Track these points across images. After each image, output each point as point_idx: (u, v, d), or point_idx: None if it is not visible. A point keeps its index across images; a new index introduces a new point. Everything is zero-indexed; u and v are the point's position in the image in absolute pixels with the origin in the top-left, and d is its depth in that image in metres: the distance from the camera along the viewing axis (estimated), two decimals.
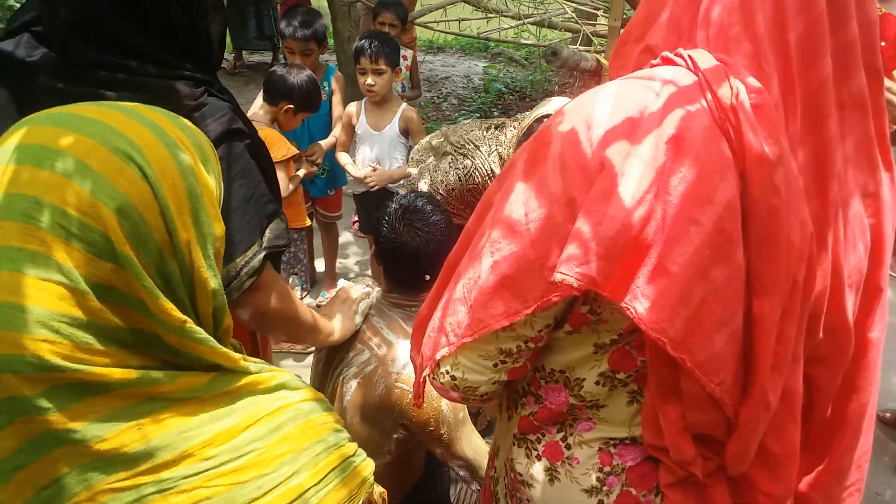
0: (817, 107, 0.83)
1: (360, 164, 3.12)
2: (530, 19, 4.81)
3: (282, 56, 3.47)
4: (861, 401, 0.97)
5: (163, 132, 0.72)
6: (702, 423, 0.88)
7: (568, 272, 0.78)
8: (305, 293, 3.61)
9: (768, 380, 0.82)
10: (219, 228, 0.74)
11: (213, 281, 0.73)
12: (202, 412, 0.69)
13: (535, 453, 1.03)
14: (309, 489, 0.71)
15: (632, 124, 0.82)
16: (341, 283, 1.68)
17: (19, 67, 1.11)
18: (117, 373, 0.65)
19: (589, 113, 0.85)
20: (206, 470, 0.67)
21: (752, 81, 0.81)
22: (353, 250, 4.17)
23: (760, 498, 0.94)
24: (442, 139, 2.25)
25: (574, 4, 4.94)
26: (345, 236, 4.07)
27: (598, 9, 5.08)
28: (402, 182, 2.98)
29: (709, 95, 0.81)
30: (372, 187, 3.00)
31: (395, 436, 1.53)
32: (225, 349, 0.73)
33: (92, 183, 0.64)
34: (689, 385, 0.84)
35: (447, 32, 6.03)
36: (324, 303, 3.58)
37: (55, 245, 0.63)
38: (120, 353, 0.67)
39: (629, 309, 0.78)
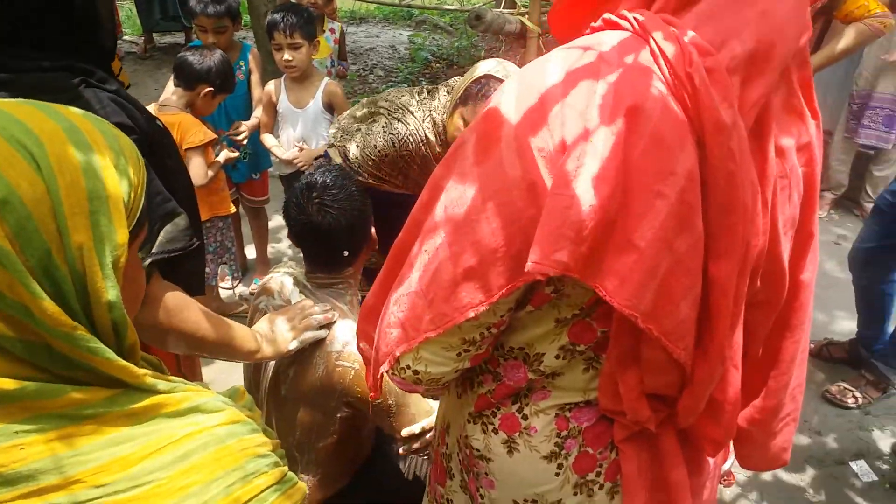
0: (757, 64, 0.82)
1: (286, 145, 3.00)
2: None
3: (195, 36, 3.27)
4: (796, 338, 0.99)
5: (75, 130, 0.65)
6: (658, 384, 0.88)
7: (542, 261, 0.75)
8: (237, 282, 3.47)
9: (726, 338, 0.83)
10: (121, 236, 0.66)
11: (111, 292, 0.64)
12: (98, 434, 0.62)
13: (491, 427, 1.01)
14: None
15: (587, 98, 0.78)
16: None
17: None
18: None
19: (540, 88, 0.82)
20: (95, 499, 0.60)
21: (702, 43, 0.79)
22: (285, 233, 4.03)
23: (705, 443, 0.97)
24: (367, 108, 2.15)
25: None
26: (275, 220, 3.93)
27: None
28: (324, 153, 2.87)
29: (661, 62, 0.79)
30: (301, 168, 2.88)
31: (339, 415, 1.49)
32: (124, 363, 0.65)
33: None
34: (650, 351, 0.84)
35: (370, 1, 5.86)
36: (256, 290, 3.44)
37: None
38: (8, 365, 0.60)
39: (600, 288, 0.77)
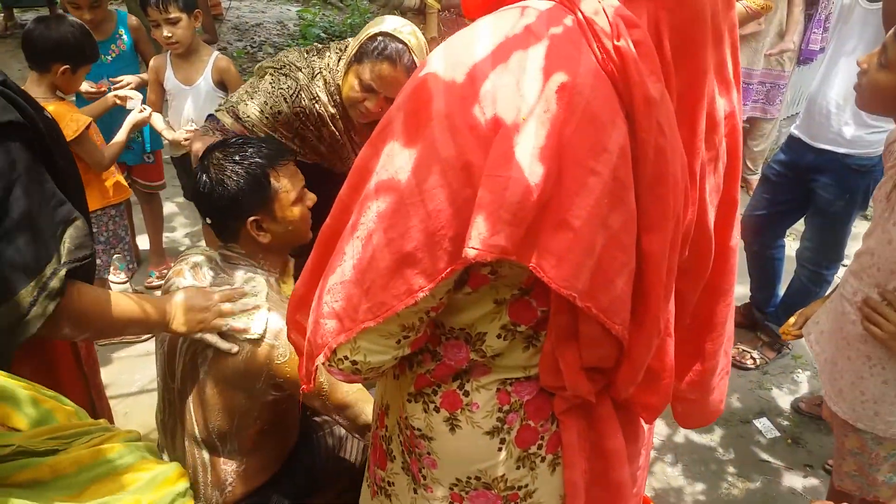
0: (691, 38, 0.83)
1: (176, 126, 2.81)
2: None
3: (62, 11, 3.00)
4: (727, 301, 1.04)
5: None
6: (596, 358, 0.90)
7: (480, 246, 0.74)
8: (131, 274, 3.25)
9: (661, 309, 0.85)
10: None
11: None
12: None
13: (432, 406, 1.00)
14: None
15: (517, 73, 0.77)
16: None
17: None
18: None
19: (468, 63, 0.79)
20: None
21: (629, 15, 0.79)
22: (181, 221, 3.82)
23: (642, 411, 1.00)
24: (255, 74, 2.02)
25: None
26: (168, 206, 3.71)
27: None
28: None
29: (589, 34, 0.78)
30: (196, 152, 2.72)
31: (265, 399, 1.43)
32: None
33: None
34: (587, 327, 0.84)
35: None
36: (155, 283, 3.26)
37: None
38: None
39: (538, 269, 0.76)
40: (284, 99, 1.85)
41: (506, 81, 0.77)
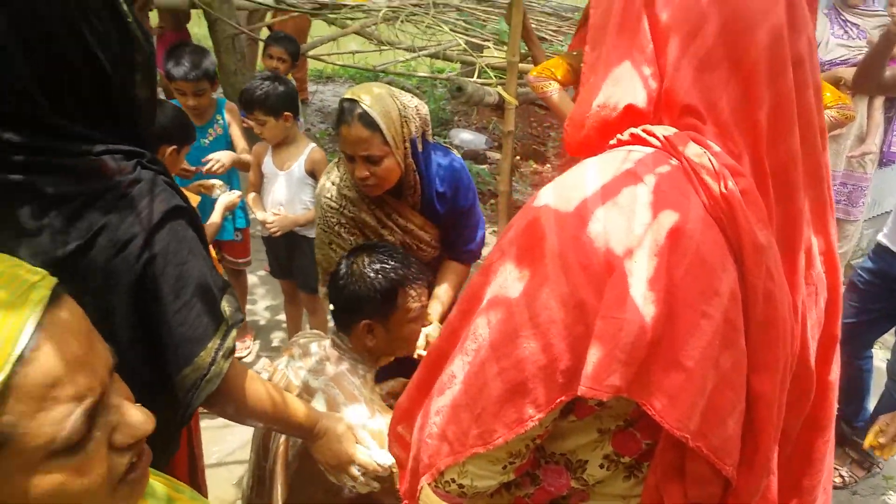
0: (787, 181, 0.86)
1: (269, 206, 2.99)
2: (425, 52, 4.84)
3: (163, 97, 3.27)
4: (825, 437, 1.03)
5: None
6: (701, 496, 0.89)
7: (595, 386, 0.77)
8: None
9: (770, 450, 0.85)
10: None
11: None
12: None
13: None
14: None
15: (627, 214, 0.81)
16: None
17: None
18: None
19: (579, 202, 0.84)
20: None
21: (733, 164, 0.83)
22: (261, 293, 3.98)
23: None
24: None
25: (464, 37, 5.03)
26: (250, 279, 3.88)
27: (487, 40, 5.21)
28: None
29: (695, 180, 0.82)
30: (274, 233, 2.88)
31: (346, 495, 1.47)
32: None
33: None
34: (695, 465, 0.84)
35: (342, 65, 5.96)
36: (238, 354, 3.37)
37: None
38: None
39: (649, 407, 0.78)
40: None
41: (616, 222, 0.81)
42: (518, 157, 5.74)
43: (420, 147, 1.88)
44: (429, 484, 0.93)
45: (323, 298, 1.97)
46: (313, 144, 3.02)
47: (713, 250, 0.79)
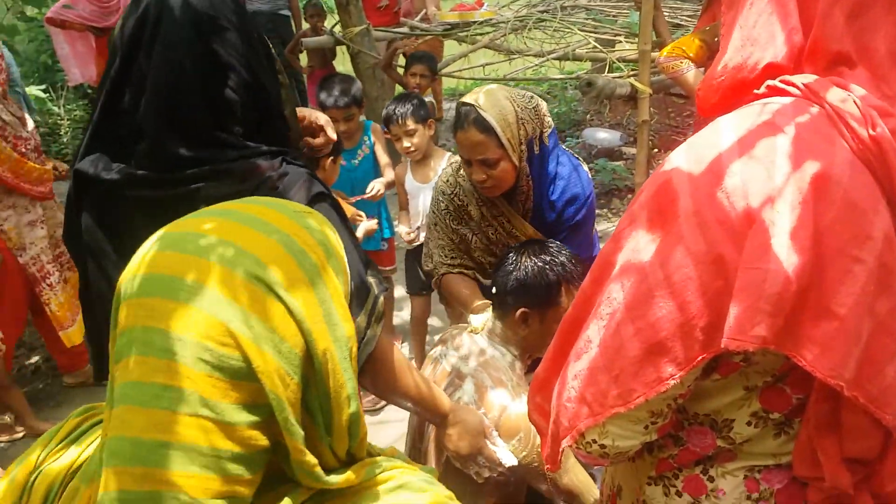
0: None
1: (415, 219, 3.16)
2: (553, 55, 4.85)
3: None
4: None
5: (288, 239, 0.72)
6: (860, 449, 0.85)
7: (740, 336, 0.76)
8: None
9: None
10: (349, 329, 0.73)
11: (349, 385, 0.71)
12: None
13: (674, 490, 1.00)
14: None
15: (766, 164, 0.80)
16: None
17: (103, 185, 1.17)
18: None
19: (713, 159, 0.83)
20: None
21: (880, 104, 0.79)
22: (408, 304, 4.16)
23: None
24: None
25: (595, 35, 4.98)
26: (398, 291, 4.07)
27: (618, 35, 5.11)
28: None
29: (840, 125, 0.79)
30: (412, 242, 3.05)
31: (491, 477, 1.49)
32: (339, 478, 0.71)
33: (225, 312, 0.65)
34: (852, 417, 0.81)
35: (474, 78, 6.12)
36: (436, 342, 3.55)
37: (198, 379, 0.63)
38: (257, 476, 0.66)
39: (799, 358, 0.77)
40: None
41: (755, 173, 0.80)
42: (656, 150, 5.55)
43: (537, 149, 1.85)
44: (570, 446, 0.95)
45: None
46: (449, 153, 3.14)
47: (863, 195, 0.77)
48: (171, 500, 0.61)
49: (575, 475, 1.50)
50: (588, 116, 6.71)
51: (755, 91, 0.91)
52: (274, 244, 0.70)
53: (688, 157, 0.87)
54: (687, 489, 0.99)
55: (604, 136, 5.80)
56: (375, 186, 3.14)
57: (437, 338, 1.76)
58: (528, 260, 1.63)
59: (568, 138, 6.32)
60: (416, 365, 3.38)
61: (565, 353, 0.97)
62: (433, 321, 3.82)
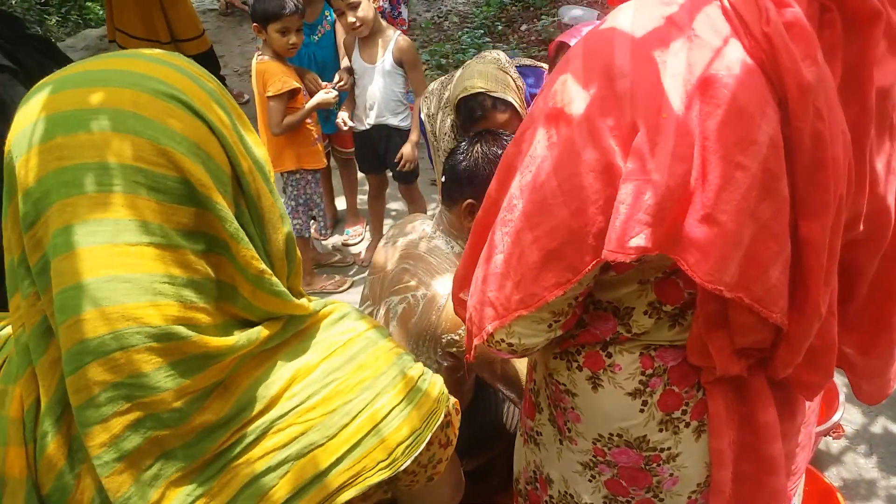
0: (855, 8, 0.77)
1: (361, 101, 3.03)
2: None
3: None
4: None
5: (181, 67, 0.67)
6: (750, 342, 0.89)
7: (617, 249, 0.77)
8: (328, 232, 3.63)
9: (821, 294, 0.82)
10: (263, 153, 0.71)
11: (279, 204, 0.69)
12: (278, 358, 0.69)
13: (575, 364, 1.05)
14: (392, 410, 0.70)
15: (655, 70, 0.77)
16: None
17: None
18: (216, 342, 0.62)
19: (607, 62, 0.81)
20: (295, 407, 0.67)
21: None
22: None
23: (802, 388, 0.96)
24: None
25: None
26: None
27: None
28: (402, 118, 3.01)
29: (736, 21, 0.76)
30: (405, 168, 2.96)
31: (443, 364, 1.55)
32: (298, 302, 0.70)
33: (150, 130, 0.60)
34: (738, 315, 0.84)
35: None
36: (350, 241, 3.59)
37: (135, 204, 0.59)
38: (212, 308, 0.64)
39: (681, 261, 0.78)
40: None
41: (645, 80, 0.78)
42: None
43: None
44: (481, 344, 0.99)
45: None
46: (398, 32, 2.98)
47: (751, 96, 0.75)
48: (136, 335, 0.58)
49: (511, 363, 1.56)
50: None
51: None
52: (169, 70, 0.65)
53: (584, 58, 0.84)
54: (587, 364, 1.03)
55: (579, 14, 5.56)
56: (345, 76, 3.03)
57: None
58: (479, 149, 1.56)
59: (542, 16, 6.06)
60: (373, 243, 3.42)
61: (478, 252, 0.99)
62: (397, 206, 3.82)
